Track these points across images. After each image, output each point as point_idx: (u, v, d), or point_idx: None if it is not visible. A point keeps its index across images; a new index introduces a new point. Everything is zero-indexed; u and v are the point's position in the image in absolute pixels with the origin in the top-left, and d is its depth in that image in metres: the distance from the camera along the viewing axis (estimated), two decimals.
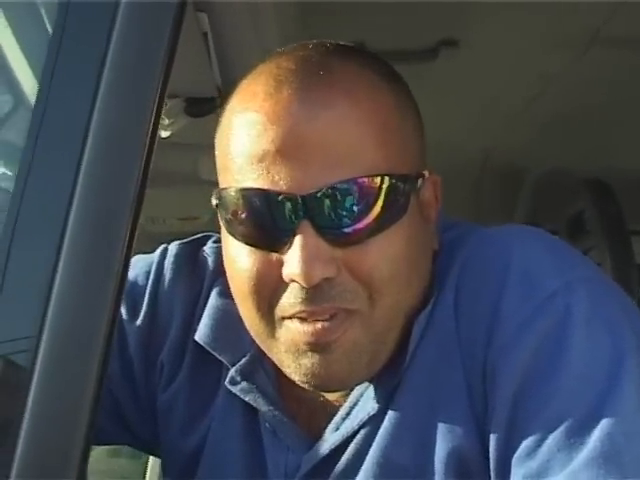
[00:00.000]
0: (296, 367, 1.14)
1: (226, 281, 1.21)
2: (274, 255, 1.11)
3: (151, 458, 2.92)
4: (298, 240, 1.08)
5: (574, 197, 2.43)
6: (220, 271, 1.26)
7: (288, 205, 1.08)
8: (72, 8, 0.95)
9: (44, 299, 0.88)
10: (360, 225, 1.09)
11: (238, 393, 1.25)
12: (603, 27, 1.93)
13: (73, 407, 0.87)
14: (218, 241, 1.36)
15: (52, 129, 0.93)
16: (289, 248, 1.09)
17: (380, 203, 1.10)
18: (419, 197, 1.15)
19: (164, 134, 1.74)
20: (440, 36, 2.05)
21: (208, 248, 1.36)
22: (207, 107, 1.69)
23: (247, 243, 1.13)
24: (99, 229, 0.91)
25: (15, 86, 1.28)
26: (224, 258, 1.19)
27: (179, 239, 1.42)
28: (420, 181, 1.14)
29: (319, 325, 1.11)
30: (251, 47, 1.54)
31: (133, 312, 1.33)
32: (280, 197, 1.08)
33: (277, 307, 1.12)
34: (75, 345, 0.88)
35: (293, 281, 1.09)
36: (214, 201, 1.15)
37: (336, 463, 1.18)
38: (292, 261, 1.08)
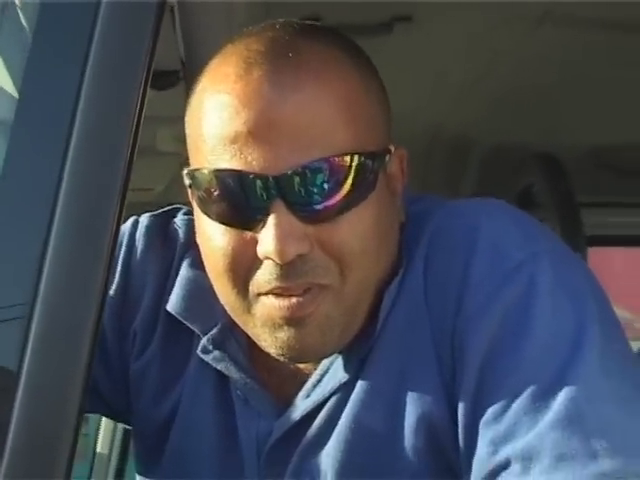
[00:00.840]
0: (272, 340, 1.17)
1: (197, 252, 1.23)
2: (248, 234, 1.14)
3: (102, 428, 2.94)
4: (271, 219, 1.11)
5: (523, 171, 2.47)
6: (191, 243, 1.29)
7: (261, 185, 1.11)
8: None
9: (35, 280, 0.90)
10: (331, 202, 1.13)
11: (210, 362, 1.28)
12: (553, 6, 1.97)
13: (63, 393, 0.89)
14: (188, 213, 1.39)
15: (38, 117, 0.95)
16: (263, 227, 1.12)
17: (350, 181, 1.13)
18: (386, 172, 1.19)
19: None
20: (394, 11, 2.07)
21: (179, 220, 1.38)
22: (170, 80, 1.71)
23: (221, 222, 1.15)
24: (88, 212, 0.93)
25: None
26: (198, 236, 1.22)
27: (132, 210, 1.44)
28: (387, 157, 1.18)
29: (294, 300, 1.14)
30: (216, 22, 1.56)
31: None
32: (253, 177, 1.11)
33: (252, 284, 1.15)
34: (65, 329, 0.90)
35: (268, 259, 1.12)
36: (187, 181, 1.17)
37: (308, 429, 1.22)
38: (266, 239, 1.11)
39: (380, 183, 1.17)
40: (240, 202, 1.13)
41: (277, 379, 1.26)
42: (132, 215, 1.43)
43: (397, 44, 2.15)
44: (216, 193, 1.14)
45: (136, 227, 1.38)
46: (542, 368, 1.09)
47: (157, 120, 1.90)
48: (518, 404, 1.08)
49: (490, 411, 1.10)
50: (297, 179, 1.11)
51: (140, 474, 1.41)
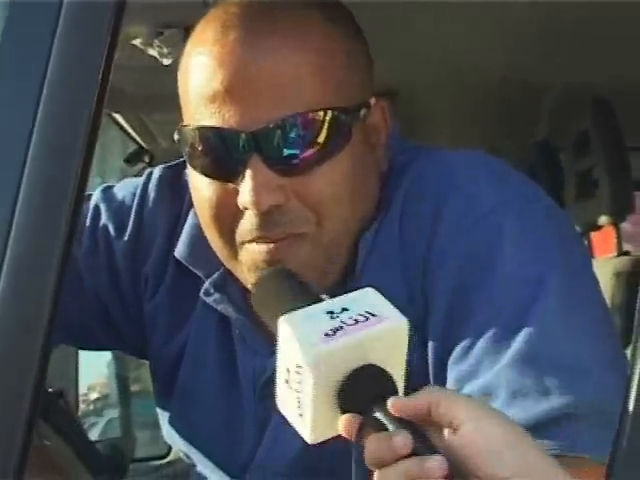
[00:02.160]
0: (249, 279, 1.26)
1: None
2: (230, 186, 1.23)
3: None
4: (248, 172, 1.20)
5: (581, 116, 2.48)
6: None
7: (237, 140, 1.19)
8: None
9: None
10: (304, 156, 1.21)
11: (211, 303, 1.37)
12: None
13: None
14: None
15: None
16: (242, 179, 1.20)
17: (323, 135, 1.21)
18: (365, 124, 1.26)
19: (165, 62, 1.84)
20: None
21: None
22: None
23: (206, 175, 1.25)
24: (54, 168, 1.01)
25: None
26: (190, 189, 1.32)
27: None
28: (364, 111, 1.25)
29: (272, 245, 1.23)
30: None
31: (120, 229, 1.46)
32: (230, 133, 1.20)
33: (237, 233, 1.25)
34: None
35: (246, 209, 1.21)
36: (176, 137, 1.27)
37: None
38: (244, 191, 1.20)
39: (355, 137, 1.24)
40: (220, 156, 1.22)
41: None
42: None
43: None
44: (199, 148, 1.23)
45: (150, 178, 1.48)
46: (503, 310, 1.15)
47: None
48: (480, 345, 1.14)
49: (455, 352, 1.16)
50: (271, 134, 1.18)
51: (158, 406, 1.52)
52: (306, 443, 0.99)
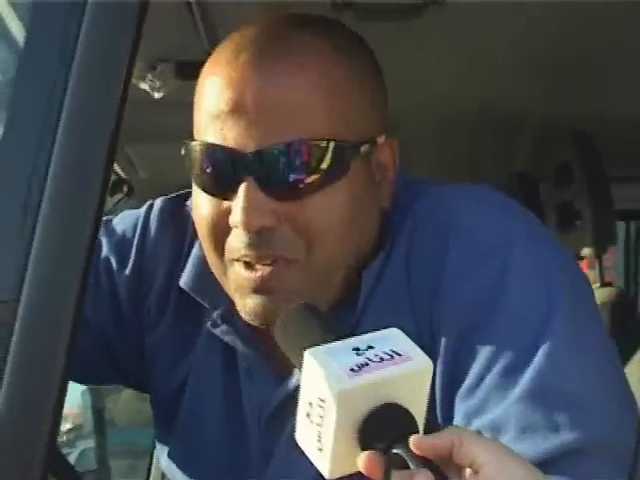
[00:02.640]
0: (242, 305, 1.28)
1: None
2: (226, 203, 1.25)
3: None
4: (241, 191, 1.22)
5: (562, 147, 2.51)
6: None
7: (235, 160, 1.22)
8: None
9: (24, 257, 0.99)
10: (299, 182, 1.23)
11: (219, 334, 1.38)
12: None
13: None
14: None
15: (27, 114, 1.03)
16: (235, 198, 1.23)
17: (319, 164, 1.23)
18: (370, 160, 1.27)
19: (157, 95, 1.84)
20: None
21: (191, 202, 1.48)
22: (197, 70, 1.79)
23: (204, 191, 1.27)
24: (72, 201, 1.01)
25: None
26: (192, 205, 1.34)
27: (178, 189, 1.55)
28: (367, 147, 1.26)
29: (259, 273, 1.25)
30: (234, 12, 1.63)
31: (122, 262, 1.46)
32: (228, 153, 1.23)
33: (227, 249, 1.27)
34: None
35: (236, 227, 1.24)
36: (182, 151, 1.29)
37: None
38: (235, 210, 1.23)
39: (355, 170, 1.25)
40: (219, 174, 1.25)
41: (278, 352, 1.34)
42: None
43: (431, 26, 2.20)
44: (201, 164, 1.26)
45: (151, 210, 1.48)
46: (511, 345, 1.16)
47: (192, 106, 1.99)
48: (489, 379, 1.15)
49: (464, 386, 1.17)
50: (267, 157, 1.21)
51: (158, 439, 1.52)
52: (311, 478, 1.00)
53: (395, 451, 0.93)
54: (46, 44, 1.01)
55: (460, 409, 1.18)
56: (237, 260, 1.26)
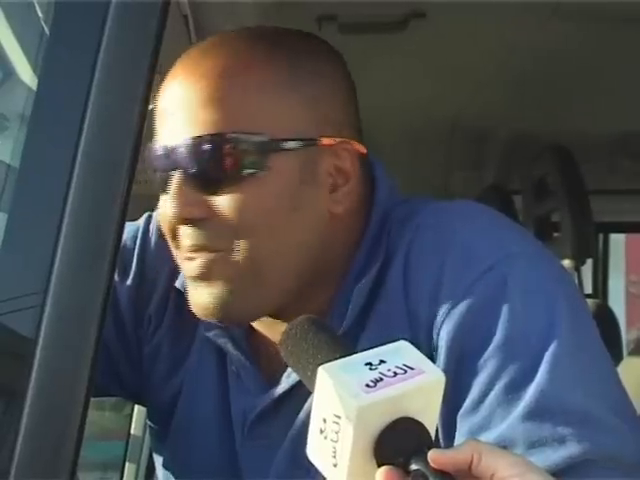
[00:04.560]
0: (189, 297, 1.31)
1: None
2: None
3: (135, 410, 3.03)
4: (170, 186, 1.26)
5: (539, 161, 2.53)
6: None
7: (161, 155, 1.27)
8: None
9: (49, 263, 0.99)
10: (218, 175, 1.25)
11: (212, 337, 1.38)
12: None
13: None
14: None
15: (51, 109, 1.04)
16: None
17: (235, 158, 1.25)
18: (316, 162, 1.28)
19: (150, 106, 1.84)
20: (409, 8, 2.14)
21: None
22: None
23: (158, 190, 1.31)
24: (96, 205, 1.02)
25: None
26: None
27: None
28: (294, 144, 1.27)
29: (193, 262, 1.27)
30: (228, 25, 1.64)
31: (123, 273, 1.46)
32: (159, 149, 1.27)
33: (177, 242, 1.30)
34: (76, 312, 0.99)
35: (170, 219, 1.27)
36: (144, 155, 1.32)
37: (288, 406, 1.31)
38: (166, 202, 1.27)
39: (281, 168, 1.26)
40: (157, 172, 1.29)
41: (268, 357, 1.35)
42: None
43: (412, 39, 2.22)
44: (148, 164, 1.30)
45: (149, 221, 1.49)
46: (514, 361, 1.17)
47: None
48: (492, 396, 1.16)
49: (467, 403, 1.17)
50: (190, 151, 1.24)
51: (154, 450, 1.51)
52: None
53: (415, 467, 0.93)
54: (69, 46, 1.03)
55: (463, 425, 1.18)
56: (182, 252, 1.30)
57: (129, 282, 1.46)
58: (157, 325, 1.45)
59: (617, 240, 3.69)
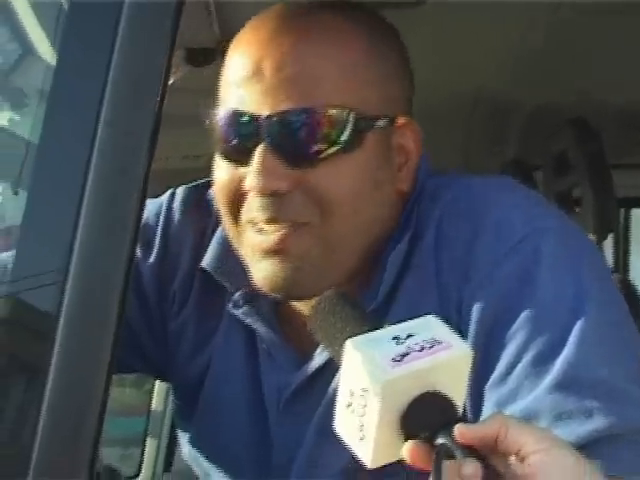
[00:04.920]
0: (255, 271, 1.30)
1: None
2: (242, 168, 1.28)
3: (156, 386, 3.04)
4: (256, 156, 1.25)
5: (559, 135, 2.51)
6: None
7: (252, 124, 1.25)
8: None
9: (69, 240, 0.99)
10: (312, 149, 1.25)
11: (240, 316, 1.38)
12: None
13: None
14: None
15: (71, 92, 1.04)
16: (251, 163, 1.25)
17: (333, 133, 1.26)
18: (390, 141, 1.28)
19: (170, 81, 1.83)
20: None
21: (212, 192, 1.48)
22: (207, 57, 1.79)
23: (223, 157, 1.31)
24: (117, 180, 1.01)
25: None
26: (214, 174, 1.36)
27: (184, 175, 1.55)
28: (382, 122, 1.28)
29: (270, 236, 1.26)
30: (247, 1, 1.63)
31: (146, 250, 1.46)
32: (245, 117, 1.25)
33: (242, 213, 1.29)
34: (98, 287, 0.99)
35: (250, 191, 1.26)
36: (207, 122, 1.29)
37: (322, 382, 1.32)
38: (250, 173, 1.25)
39: (371, 145, 1.27)
40: (235, 139, 1.27)
41: (299, 334, 1.35)
42: (182, 180, 1.54)
43: (430, 16, 2.20)
44: (220, 131, 1.29)
45: (173, 198, 1.49)
46: (542, 333, 1.17)
47: (200, 93, 1.99)
48: (520, 368, 1.16)
49: (495, 374, 1.18)
50: (282, 122, 1.23)
51: (180, 427, 1.51)
52: (349, 465, 1.00)
53: (441, 441, 0.93)
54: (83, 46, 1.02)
55: (491, 397, 1.18)
56: (251, 223, 1.28)
57: (152, 259, 1.46)
58: (182, 303, 1.45)
59: (639, 215, 3.65)
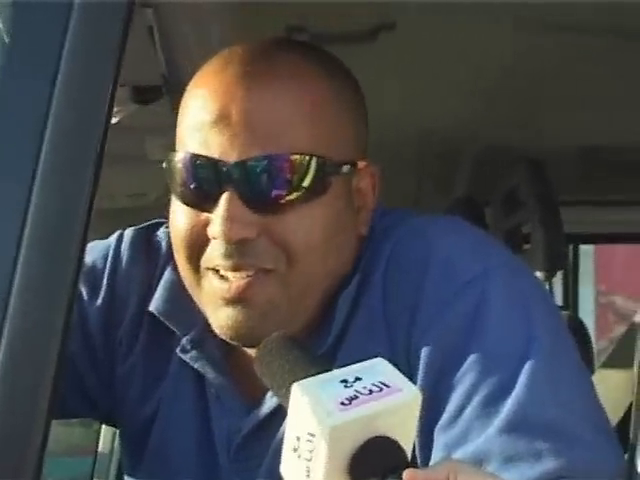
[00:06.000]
0: (215, 318, 1.27)
1: None
2: (204, 215, 1.25)
3: (103, 426, 3.00)
4: (222, 202, 1.22)
5: (509, 173, 2.53)
6: (173, 251, 1.37)
7: (216, 170, 1.22)
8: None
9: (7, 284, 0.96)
10: (279, 196, 1.23)
11: (188, 361, 1.36)
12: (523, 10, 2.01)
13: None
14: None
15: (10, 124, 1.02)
16: (216, 210, 1.22)
17: (300, 179, 1.24)
18: (351, 185, 1.27)
19: (113, 120, 1.81)
20: (378, 20, 2.12)
21: (161, 232, 1.47)
22: (153, 94, 1.78)
23: (183, 202, 1.27)
24: (58, 218, 0.99)
25: None
26: (170, 219, 1.33)
27: (129, 214, 1.53)
28: (347, 168, 1.26)
29: (234, 284, 1.24)
30: (194, 39, 1.62)
31: (93, 293, 1.43)
32: (211, 163, 1.22)
33: (203, 259, 1.26)
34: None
35: (215, 239, 1.23)
36: (164, 164, 1.27)
37: (274, 426, 1.29)
38: (215, 220, 1.22)
39: (336, 190, 1.26)
40: (198, 184, 1.24)
41: (250, 378, 1.32)
42: (129, 219, 1.52)
43: (383, 51, 2.21)
44: (181, 175, 1.25)
45: (121, 240, 1.46)
46: (492, 374, 1.16)
47: (146, 131, 1.97)
48: (469, 410, 1.15)
49: (445, 417, 1.17)
50: (249, 169, 1.21)
51: (127, 474, 1.49)
52: None
53: None
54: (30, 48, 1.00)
55: (440, 439, 1.17)
56: (212, 270, 1.26)
57: (99, 302, 1.43)
58: (130, 347, 1.43)
59: (586, 250, 3.68)
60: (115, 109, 1.82)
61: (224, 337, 1.28)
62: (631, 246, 6.38)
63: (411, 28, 2.15)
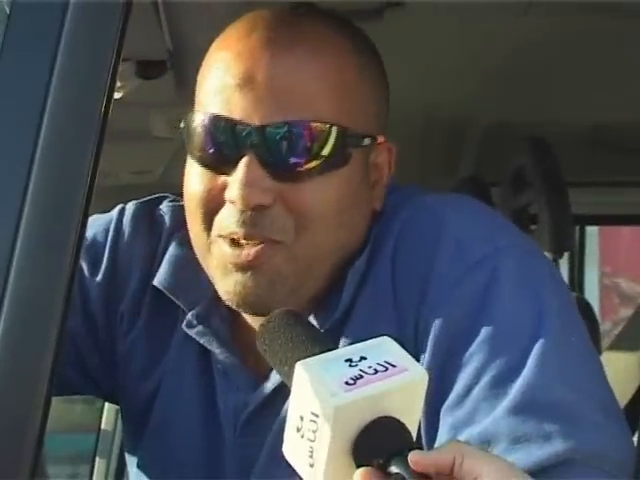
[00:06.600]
0: (223, 284, 1.26)
1: (185, 232, 1.31)
2: (221, 177, 1.24)
3: (106, 404, 2.99)
4: (241, 166, 1.20)
5: (516, 152, 2.51)
6: (177, 226, 1.37)
7: (239, 133, 1.21)
8: None
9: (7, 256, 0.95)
10: (299, 163, 1.22)
11: (194, 336, 1.35)
12: None
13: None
14: (173, 201, 1.46)
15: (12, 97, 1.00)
16: (235, 173, 1.21)
17: (322, 148, 1.23)
18: (368, 159, 1.26)
19: (116, 95, 1.79)
20: None
21: (164, 207, 1.45)
22: (158, 69, 1.76)
23: (201, 164, 1.25)
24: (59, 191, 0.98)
25: None
26: (184, 182, 1.30)
27: (134, 191, 1.51)
28: (367, 141, 1.25)
29: (245, 251, 1.22)
30: (199, 13, 1.60)
31: (94, 268, 1.41)
32: (234, 124, 1.21)
33: (215, 225, 1.25)
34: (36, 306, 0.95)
35: (232, 203, 1.22)
36: (182, 124, 1.25)
37: (279, 403, 1.28)
38: (233, 184, 1.21)
39: (355, 162, 1.25)
40: (218, 146, 1.23)
41: (255, 354, 1.31)
42: (133, 196, 1.50)
43: (389, 29, 2.19)
44: (200, 137, 1.24)
45: (123, 214, 1.45)
46: (501, 355, 1.15)
47: (150, 107, 1.95)
48: (478, 390, 1.14)
49: (452, 396, 1.15)
50: (272, 134, 1.20)
51: (127, 450, 1.47)
52: None
53: (394, 469, 0.90)
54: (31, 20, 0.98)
55: (447, 420, 1.15)
56: (224, 237, 1.25)
57: (100, 277, 1.42)
58: (131, 322, 1.42)
59: (591, 232, 3.67)
60: (119, 84, 1.81)
61: (230, 303, 1.27)
62: (636, 228, 6.35)
63: (418, 5, 2.12)
